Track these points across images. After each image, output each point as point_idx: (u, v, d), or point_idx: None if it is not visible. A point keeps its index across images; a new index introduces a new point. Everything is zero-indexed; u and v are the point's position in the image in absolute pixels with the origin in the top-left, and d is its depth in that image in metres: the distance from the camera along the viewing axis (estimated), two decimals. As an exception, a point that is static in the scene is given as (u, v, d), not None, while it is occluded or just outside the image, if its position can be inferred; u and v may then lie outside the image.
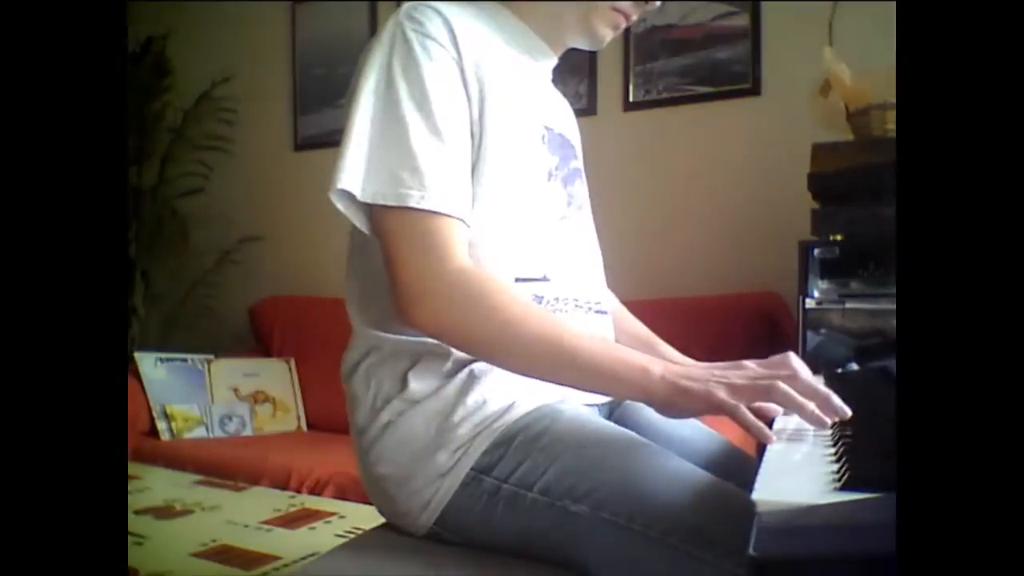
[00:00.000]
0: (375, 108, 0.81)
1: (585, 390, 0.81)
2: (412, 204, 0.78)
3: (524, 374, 0.80)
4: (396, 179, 0.79)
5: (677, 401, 0.74)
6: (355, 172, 0.80)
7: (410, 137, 0.80)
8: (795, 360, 0.76)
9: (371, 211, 0.82)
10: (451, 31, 0.84)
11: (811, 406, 0.70)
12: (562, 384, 0.80)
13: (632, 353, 0.79)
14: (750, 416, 0.72)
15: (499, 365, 0.82)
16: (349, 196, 0.81)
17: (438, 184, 0.79)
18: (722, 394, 0.73)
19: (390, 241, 0.80)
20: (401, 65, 0.82)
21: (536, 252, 0.90)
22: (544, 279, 0.89)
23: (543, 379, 0.80)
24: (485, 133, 0.85)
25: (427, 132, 0.80)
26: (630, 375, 0.76)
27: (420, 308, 0.79)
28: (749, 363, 0.76)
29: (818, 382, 0.75)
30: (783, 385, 0.71)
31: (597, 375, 0.77)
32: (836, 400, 0.72)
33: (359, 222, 0.83)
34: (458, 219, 0.81)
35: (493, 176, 0.86)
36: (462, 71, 0.84)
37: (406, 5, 0.86)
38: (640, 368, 0.76)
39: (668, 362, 0.78)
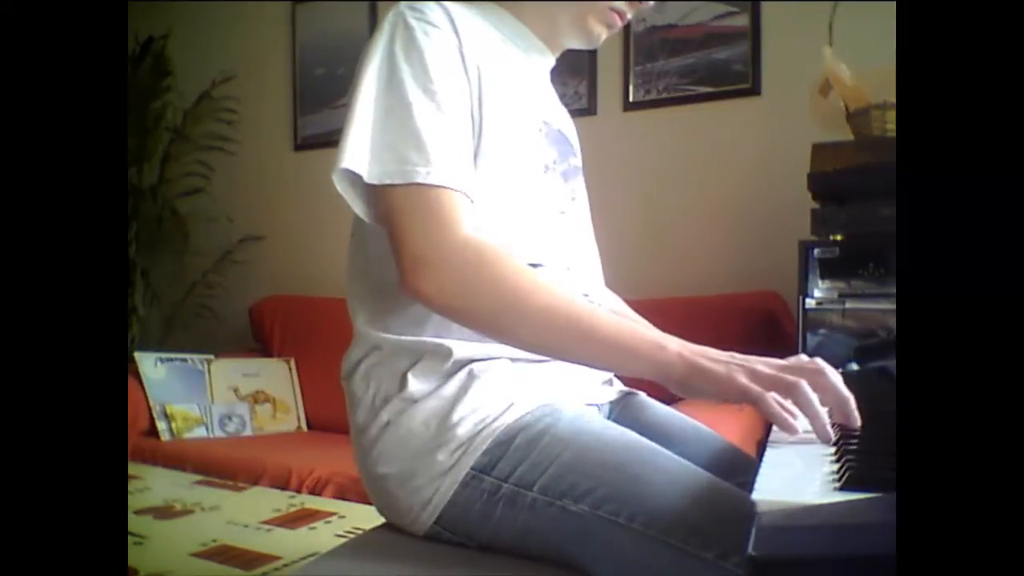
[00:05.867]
0: (378, 91, 0.82)
1: (597, 367, 0.78)
2: (419, 180, 0.78)
3: (532, 349, 0.79)
4: (402, 158, 0.79)
5: (695, 381, 0.73)
6: (360, 154, 0.80)
7: (414, 116, 0.80)
8: (823, 365, 0.74)
9: (375, 193, 0.81)
10: (451, 19, 0.85)
11: (825, 418, 0.69)
12: (573, 360, 0.79)
13: (647, 328, 0.77)
14: (775, 406, 0.69)
15: (506, 339, 0.80)
16: (350, 181, 0.81)
17: (443, 160, 0.79)
18: (744, 379, 0.71)
19: (395, 217, 0.79)
20: (403, 49, 0.82)
21: (533, 243, 0.89)
22: (540, 266, 0.89)
23: (553, 355, 0.78)
24: (483, 120, 0.85)
25: (431, 111, 0.81)
26: (646, 349, 0.74)
27: (425, 277, 0.77)
28: (778, 361, 0.74)
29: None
30: (807, 387, 0.69)
31: (610, 349, 0.75)
32: (852, 406, 0.70)
33: (358, 207, 0.83)
34: (463, 193, 0.80)
35: (490, 164, 0.86)
36: (462, 56, 0.85)
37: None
38: (655, 343, 0.74)
39: (686, 341, 0.75)
